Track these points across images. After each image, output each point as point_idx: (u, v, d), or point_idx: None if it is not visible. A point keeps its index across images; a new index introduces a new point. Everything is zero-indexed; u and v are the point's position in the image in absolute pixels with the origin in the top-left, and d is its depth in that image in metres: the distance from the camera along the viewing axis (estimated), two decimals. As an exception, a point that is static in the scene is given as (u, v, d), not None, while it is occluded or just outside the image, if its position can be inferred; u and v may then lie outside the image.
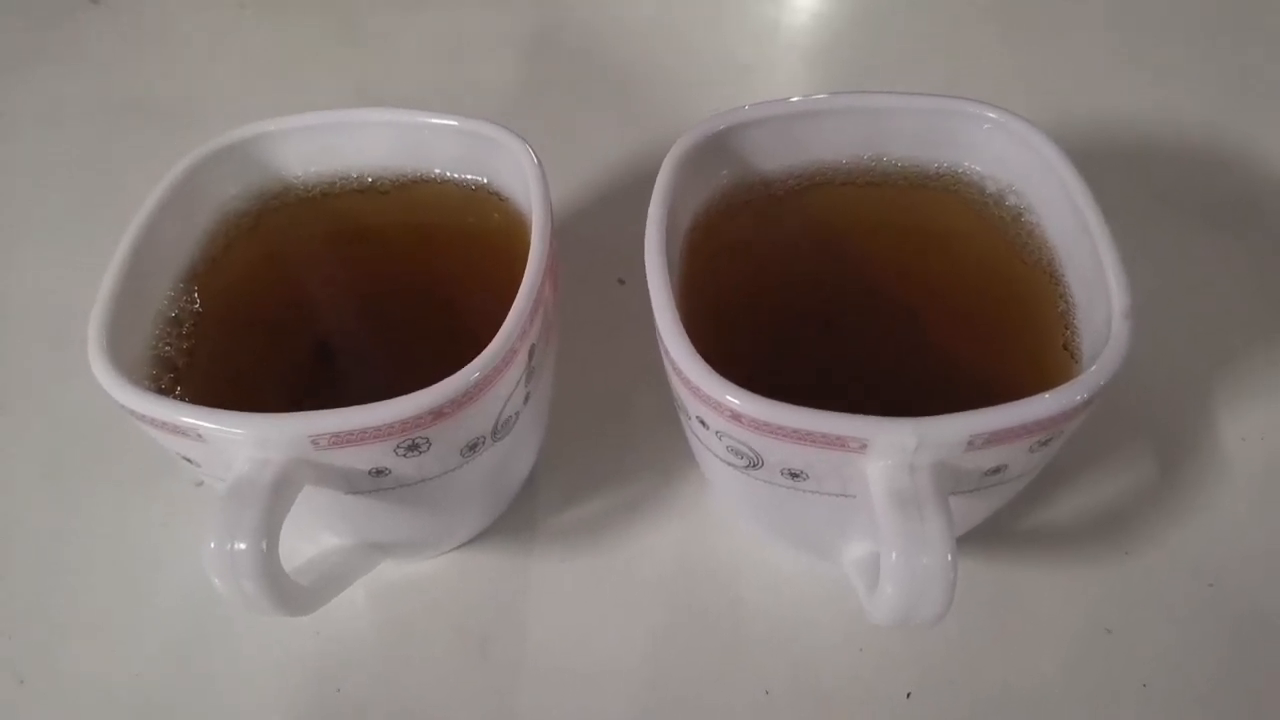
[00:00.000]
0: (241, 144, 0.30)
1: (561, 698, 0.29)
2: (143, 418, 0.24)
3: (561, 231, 0.40)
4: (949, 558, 0.21)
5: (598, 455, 0.34)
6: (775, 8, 0.51)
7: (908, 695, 0.28)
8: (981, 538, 0.30)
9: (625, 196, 0.41)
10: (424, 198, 0.31)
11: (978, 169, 0.29)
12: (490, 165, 0.30)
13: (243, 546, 0.22)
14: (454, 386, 0.23)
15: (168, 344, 0.27)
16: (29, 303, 0.39)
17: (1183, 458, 0.32)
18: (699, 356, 0.23)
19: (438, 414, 0.23)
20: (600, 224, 0.41)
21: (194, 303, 0.28)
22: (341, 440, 0.23)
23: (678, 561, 0.31)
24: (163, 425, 0.24)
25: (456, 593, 0.31)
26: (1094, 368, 0.22)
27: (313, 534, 0.28)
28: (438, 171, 0.31)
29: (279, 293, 0.30)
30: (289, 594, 0.24)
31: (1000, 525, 0.31)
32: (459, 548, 0.32)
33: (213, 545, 0.22)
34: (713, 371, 0.23)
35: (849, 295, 0.30)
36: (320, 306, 0.31)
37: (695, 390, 0.23)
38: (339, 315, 0.31)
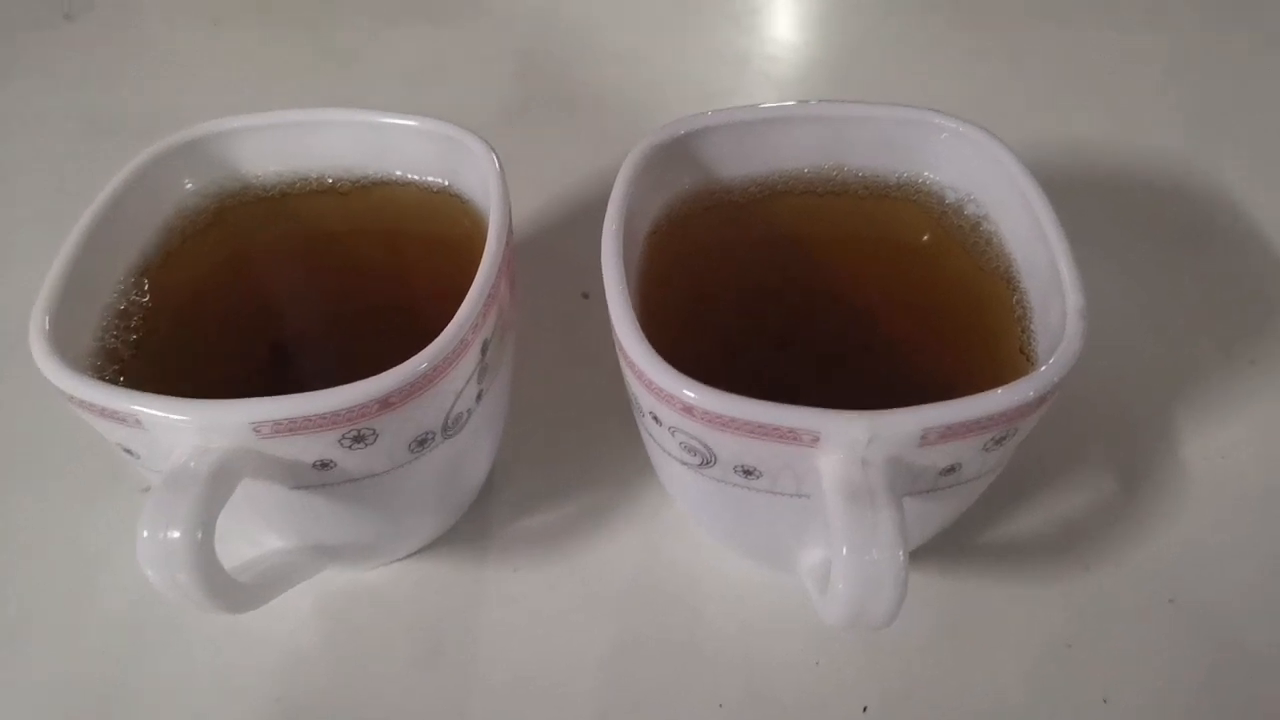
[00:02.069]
0: (201, 140, 0.30)
1: (513, 710, 0.28)
2: (81, 403, 0.23)
3: (526, 247, 0.40)
4: (900, 554, 0.21)
5: (556, 465, 0.33)
6: (746, 38, 0.52)
7: (864, 709, 0.28)
8: (941, 551, 0.30)
9: (590, 213, 0.41)
10: (384, 199, 0.31)
11: (937, 179, 0.29)
12: (451, 167, 0.30)
13: (176, 535, 0.21)
14: (401, 376, 0.23)
15: (114, 335, 0.27)
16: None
17: (1143, 474, 0.32)
18: (653, 349, 0.23)
19: (384, 403, 0.23)
20: (565, 239, 0.41)
21: (144, 296, 0.28)
22: (284, 428, 0.23)
23: (634, 572, 0.31)
24: (101, 411, 0.23)
25: (406, 601, 0.30)
26: (1047, 364, 0.22)
27: (256, 536, 0.28)
28: (399, 173, 0.31)
29: (233, 291, 0.30)
30: (225, 588, 0.23)
31: (960, 539, 0.30)
32: (410, 556, 0.31)
33: (145, 534, 0.22)
34: (666, 364, 0.23)
35: (809, 303, 0.30)
36: (274, 306, 0.30)
37: (649, 384, 0.23)
38: (293, 315, 0.30)
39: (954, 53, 0.50)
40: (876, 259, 0.30)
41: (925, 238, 0.29)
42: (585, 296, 0.38)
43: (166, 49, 0.53)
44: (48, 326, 0.24)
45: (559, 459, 0.33)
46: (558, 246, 0.41)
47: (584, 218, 0.41)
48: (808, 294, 0.30)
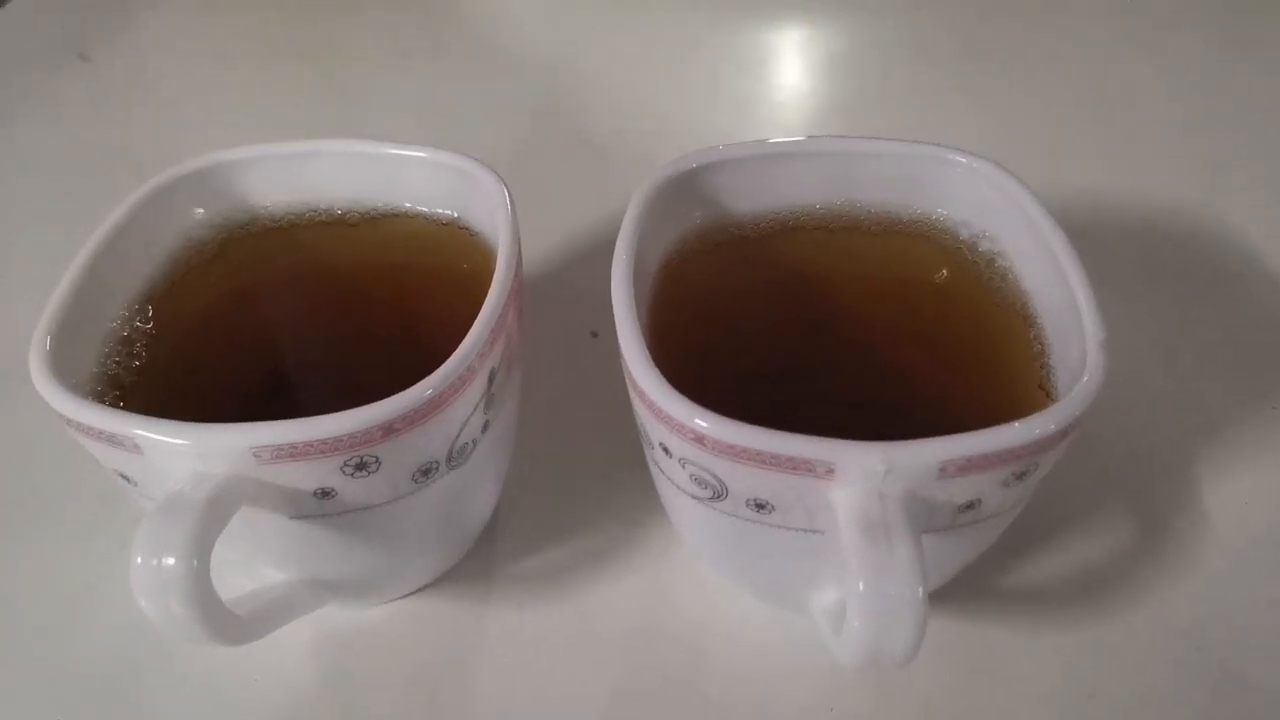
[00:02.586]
0: (209, 170, 0.30)
1: (511, 756, 0.27)
2: (79, 426, 0.23)
3: (535, 285, 0.40)
4: (919, 589, 0.20)
5: (562, 505, 0.33)
6: (755, 82, 0.52)
7: (879, 759, 0.27)
8: (958, 596, 0.29)
9: (599, 253, 0.41)
10: (392, 232, 0.31)
11: (951, 215, 0.29)
12: (460, 199, 0.30)
13: (171, 563, 0.21)
14: (406, 402, 0.22)
15: (116, 361, 0.26)
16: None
17: (1164, 520, 0.31)
18: (663, 378, 0.22)
19: (388, 430, 0.22)
20: (574, 278, 0.40)
21: (147, 323, 0.28)
22: (285, 454, 0.22)
23: (640, 614, 0.30)
24: (99, 435, 0.22)
25: (405, 639, 0.29)
26: (1070, 396, 0.22)
27: (254, 569, 0.27)
28: (408, 205, 0.31)
29: (237, 321, 0.30)
30: (221, 620, 0.22)
31: (978, 583, 0.30)
32: (410, 595, 0.30)
33: (139, 560, 0.21)
34: (676, 393, 0.22)
35: (821, 339, 0.29)
36: (280, 337, 0.30)
37: (658, 413, 0.22)
38: (298, 347, 0.30)
39: (963, 100, 0.50)
40: (890, 296, 0.29)
41: (940, 274, 0.29)
42: (594, 335, 0.38)
43: (180, 88, 0.53)
44: (49, 348, 0.24)
45: (565, 498, 0.33)
46: (567, 285, 0.40)
47: (593, 257, 0.41)
48: (820, 330, 0.29)
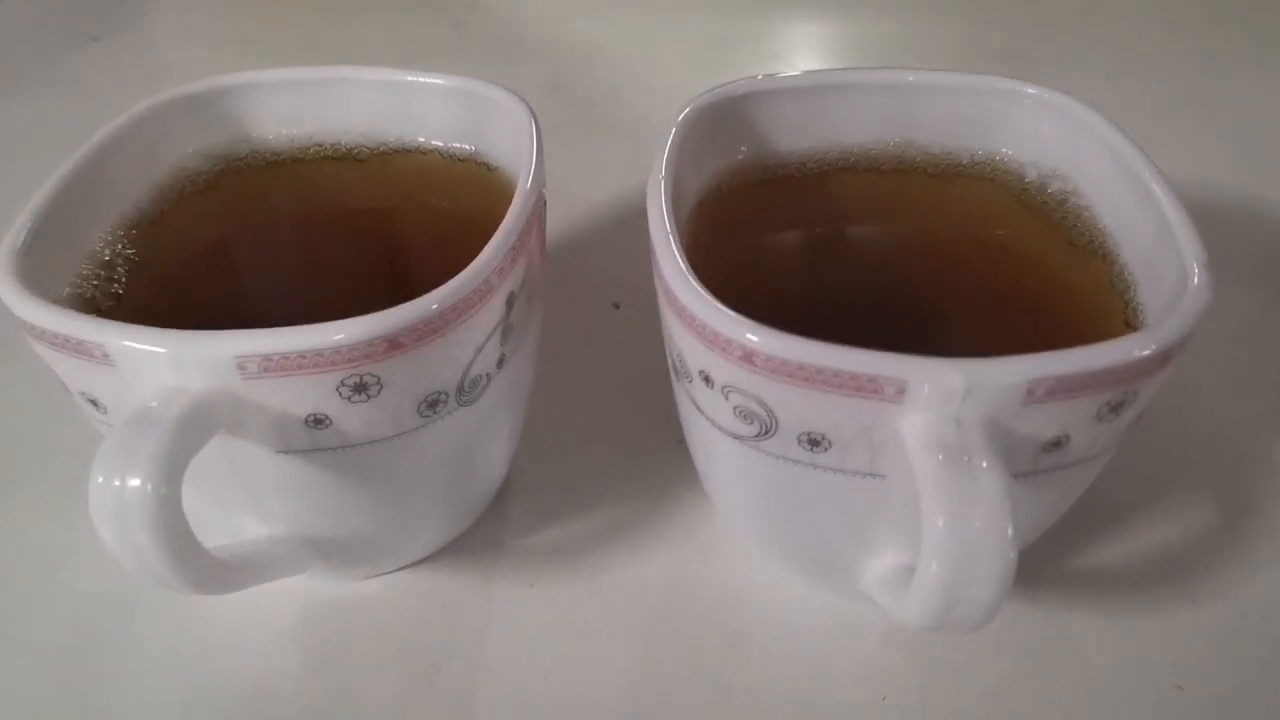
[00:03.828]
0: (206, 95, 0.27)
1: (519, 744, 0.24)
2: (40, 333, 0.20)
3: (556, 257, 0.37)
4: (1008, 526, 0.17)
5: (579, 475, 0.30)
6: (778, 66, 0.50)
7: (939, 756, 0.23)
8: (1027, 578, 0.26)
9: (620, 227, 0.39)
10: (405, 168, 0.28)
11: (1016, 155, 0.27)
12: (480, 131, 0.27)
13: (136, 483, 0.18)
14: (414, 311, 0.20)
15: (94, 284, 0.24)
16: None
17: (1251, 504, 0.28)
18: (706, 291, 0.20)
19: (393, 343, 0.20)
20: (596, 250, 0.38)
21: (131, 249, 0.25)
22: (274, 367, 0.19)
23: (665, 594, 0.27)
24: (64, 343, 0.20)
25: (403, 615, 0.26)
26: (1174, 314, 0.19)
27: (233, 521, 0.24)
28: (422, 140, 0.28)
29: (231, 259, 0.27)
30: (193, 557, 0.19)
31: (1049, 565, 0.26)
32: (409, 566, 0.27)
33: (99, 480, 0.18)
34: (722, 306, 0.19)
35: (873, 293, 0.26)
36: (276, 278, 0.27)
37: (701, 329, 0.20)
38: (296, 289, 0.27)
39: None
40: (950, 241, 0.27)
41: (1005, 218, 0.26)
42: (616, 307, 0.35)
43: (190, 71, 0.51)
44: (17, 252, 0.21)
45: (584, 467, 0.30)
46: (588, 258, 0.38)
47: (614, 229, 0.39)
48: (873, 279, 0.26)
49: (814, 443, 0.20)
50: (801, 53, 0.53)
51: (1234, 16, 0.53)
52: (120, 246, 0.25)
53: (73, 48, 0.52)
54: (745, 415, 0.20)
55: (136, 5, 0.56)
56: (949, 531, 0.17)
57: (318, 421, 0.20)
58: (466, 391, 0.22)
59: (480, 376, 0.22)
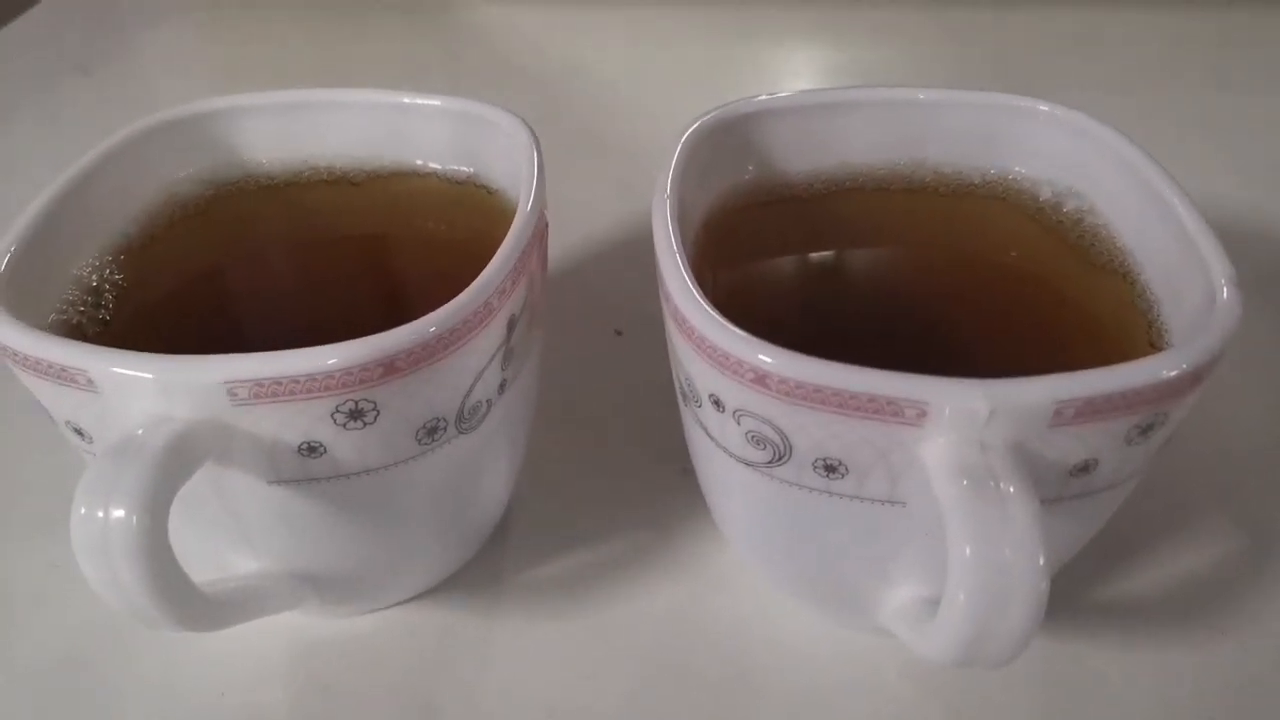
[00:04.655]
0: (196, 119, 0.27)
1: (520, 790, 0.23)
2: (23, 360, 0.19)
3: (558, 285, 0.36)
4: (1040, 556, 0.16)
5: (582, 507, 0.29)
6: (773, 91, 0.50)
7: (962, 798, 0.22)
8: (1049, 610, 0.25)
9: (621, 253, 0.38)
10: (402, 191, 0.27)
11: (1030, 174, 0.26)
12: (477, 153, 0.27)
13: (119, 515, 0.17)
14: (408, 335, 0.19)
15: (81, 310, 0.23)
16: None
17: (1272, 529, 0.27)
18: (715, 311, 0.19)
19: (389, 367, 0.19)
20: (597, 278, 0.37)
21: (119, 275, 0.24)
22: (266, 392, 0.18)
23: (671, 630, 0.26)
24: (48, 369, 0.19)
25: (399, 651, 0.25)
26: (1204, 331, 0.18)
27: (222, 555, 0.23)
28: (419, 163, 0.28)
29: (222, 287, 0.26)
30: (178, 591, 0.18)
31: (1072, 597, 0.25)
32: (405, 602, 0.26)
33: (82, 511, 0.17)
34: (733, 326, 0.19)
35: (886, 314, 0.26)
36: (269, 305, 0.26)
37: (711, 351, 0.19)
38: (288, 317, 0.26)
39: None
40: (964, 262, 0.26)
41: (1020, 237, 0.25)
42: (618, 334, 0.34)
43: (180, 101, 0.51)
44: (1, 277, 0.20)
45: (585, 500, 0.29)
46: (588, 285, 0.37)
47: (615, 256, 0.38)
48: (884, 302, 0.26)
49: (830, 469, 0.19)
50: (795, 77, 0.53)
51: (1239, 37, 0.53)
52: (108, 272, 0.24)
53: (62, 79, 0.52)
54: (757, 440, 0.19)
55: (126, 36, 0.56)
56: (977, 561, 0.16)
57: (311, 450, 0.20)
58: (466, 418, 0.21)
59: (481, 403, 0.21)
